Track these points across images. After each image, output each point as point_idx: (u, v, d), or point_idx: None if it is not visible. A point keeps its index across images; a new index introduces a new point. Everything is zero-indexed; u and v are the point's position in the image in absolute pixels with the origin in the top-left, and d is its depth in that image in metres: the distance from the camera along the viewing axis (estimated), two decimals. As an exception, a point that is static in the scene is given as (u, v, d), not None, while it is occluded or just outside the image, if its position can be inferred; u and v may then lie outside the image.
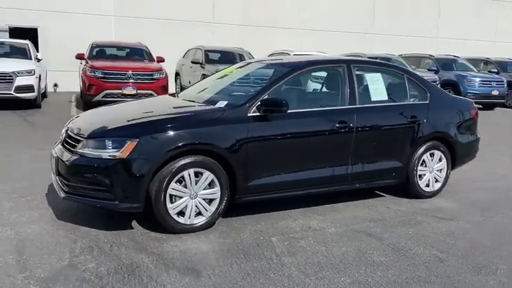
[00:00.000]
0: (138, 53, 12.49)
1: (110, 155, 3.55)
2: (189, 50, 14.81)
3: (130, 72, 10.79)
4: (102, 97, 10.58)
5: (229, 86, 4.81)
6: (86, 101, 10.82)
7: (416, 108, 4.91)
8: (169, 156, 3.60)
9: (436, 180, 5.13)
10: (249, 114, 3.95)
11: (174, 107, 4.30)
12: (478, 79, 14.77)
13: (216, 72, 11.77)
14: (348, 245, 3.71)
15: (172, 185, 3.65)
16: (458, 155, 5.22)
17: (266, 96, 4.04)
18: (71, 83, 14.33)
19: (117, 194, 3.55)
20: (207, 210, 3.83)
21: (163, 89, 11.26)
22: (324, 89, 4.55)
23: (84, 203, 3.72)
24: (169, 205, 3.67)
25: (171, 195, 3.67)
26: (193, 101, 4.41)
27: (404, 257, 3.52)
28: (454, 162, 5.23)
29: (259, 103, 3.99)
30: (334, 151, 4.39)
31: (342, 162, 4.44)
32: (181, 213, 3.75)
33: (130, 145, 3.54)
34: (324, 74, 4.59)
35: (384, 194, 5.14)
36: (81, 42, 13.66)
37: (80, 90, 13.31)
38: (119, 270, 3.11)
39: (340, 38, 18.82)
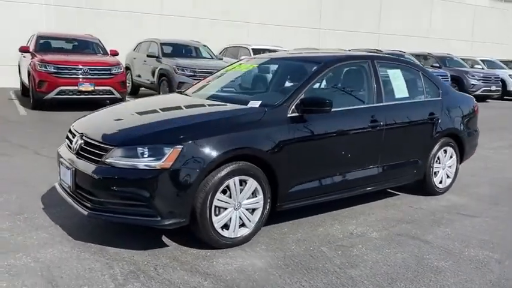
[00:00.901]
0: (90, 46, 11.58)
1: (148, 165, 3.09)
2: (140, 43, 14.02)
3: (86, 67, 9.94)
4: (55, 94, 9.69)
5: (253, 84, 4.45)
6: (37, 98, 9.81)
7: (433, 104, 4.87)
8: (216, 163, 3.21)
9: (448, 177, 5.14)
10: (288, 115, 3.65)
11: (205, 109, 3.88)
12: None
13: (176, 66, 11.58)
14: (401, 250, 3.55)
15: (218, 195, 3.27)
16: (465, 150, 5.28)
17: (303, 96, 3.75)
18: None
19: (160, 209, 3.10)
20: (250, 221, 3.48)
21: (122, 85, 10.54)
22: (351, 87, 4.34)
23: (116, 221, 3.22)
24: (214, 218, 3.28)
25: (216, 207, 3.29)
26: (218, 102, 4.01)
27: (462, 261, 3.42)
28: (461, 157, 5.28)
29: (298, 102, 3.70)
30: (366, 151, 4.21)
31: (374, 163, 4.28)
32: (224, 226, 3.37)
33: (173, 153, 3.10)
34: (350, 69, 4.38)
35: (398, 193, 5.07)
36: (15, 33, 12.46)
37: (20, 87, 12.19)
38: (182, 299, 2.71)
39: (292, 33, 18.81)
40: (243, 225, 3.46)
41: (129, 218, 3.16)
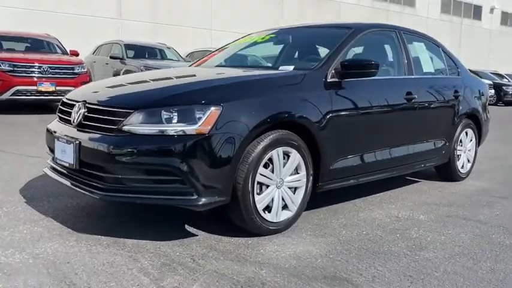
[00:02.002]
0: (48, 45, 10.61)
1: (181, 130, 2.47)
2: (100, 46, 13.14)
3: (46, 65, 9.01)
4: (11, 95, 8.67)
5: (274, 53, 3.92)
6: (-10, 99, 8.75)
7: (456, 82, 4.55)
8: (260, 130, 2.64)
9: (468, 161, 4.82)
10: (328, 80, 3.15)
11: (235, 73, 3.30)
12: None
13: (144, 66, 10.80)
14: (462, 231, 3.11)
15: (261, 169, 2.69)
16: (483, 134, 5.01)
17: (341, 59, 3.27)
18: None
19: (197, 184, 2.47)
20: (293, 202, 2.92)
21: (87, 86, 9.65)
22: (383, 56, 3.91)
23: (140, 202, 2.53)
24: (256, 197, 2.69)
25: (258, 184, 2.71)
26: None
27: (532, 238, 3.03)
28: (478, 141, 4.99)
29: (338, 66, 3.21)
30: (403, 126, 3.79)
31: (410, 140, 3.86)
32: (266, 208, 2.79)
33: (212, 114, 2.50)
34: (380, 38, 3.95)
35: (418, 179, 4.68)
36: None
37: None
38: (243, 292, 2.10)
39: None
40: (284, 207, 2.89)
41: (158, 198, 2.51)
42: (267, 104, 2.73)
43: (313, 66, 3.22)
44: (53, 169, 3.02)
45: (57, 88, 9.07)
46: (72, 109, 2.95)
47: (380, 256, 2.59)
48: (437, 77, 4.32)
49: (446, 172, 4.59)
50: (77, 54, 10.69)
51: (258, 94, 2.74)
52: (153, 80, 3.17)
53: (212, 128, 2.49)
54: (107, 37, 13.76)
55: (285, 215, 2.89)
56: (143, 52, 12.28)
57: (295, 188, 2.95)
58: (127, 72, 10.94)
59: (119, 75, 11.34)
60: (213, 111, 2.51)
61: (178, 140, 2.46)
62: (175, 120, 2.50)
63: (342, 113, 3.17)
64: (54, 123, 3.13)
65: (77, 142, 2.66)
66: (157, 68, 10.58)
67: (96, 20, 15.19)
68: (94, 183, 2.61)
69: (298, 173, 2.93)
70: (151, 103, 2.57)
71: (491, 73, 22.04)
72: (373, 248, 2.72)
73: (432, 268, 2.46)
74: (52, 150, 3.00)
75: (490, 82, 19.26)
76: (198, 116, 2.50)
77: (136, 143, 2.48)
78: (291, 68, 3.24)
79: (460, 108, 4.48)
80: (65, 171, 2.85)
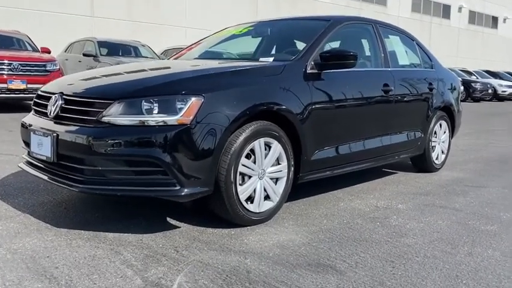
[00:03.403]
0: (18, 42, 10.33)
1: (162, 121, 2.45)
2: (72, 43, 12.88)
3: (16, 62, 8.78)
4: (-21, 93, 8.43)
5: (253, 46, 3.91)
6: (-43, 98, 8.48)
7: (431, 75, 4.65)
8: (241, 120, 2.64)
9: (442, 152, 4.94)
10: (308, 71, 3.17)
11: (214, 64, 3.28)
12: None
13: (117, 64, 10.61)
14: (439, 218, 3.18)
15: (243, 160, 2.70)
16: (456, 125, 5.14)
17: (320, 51, 3.30)
18: None
19: (179, 175, 2.45)
20: (275, 193, 2.93)
21: (59, 84, 9.44)
22: (360, 49, 3.96)
23: (122, 194, 2.48)
24: (239, 188, 2.69)
25: (240, 175, 2.71)
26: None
27: (507, 224, 3.12)
28: (452, 133, 5.12)
29: (317, 58, 3.24)
30: (381, 117, 3.84)
31: (387, 130, 3.92)
32: (248, 198, 2.79)
33: (193, 104, 2.49)
34: (356, 30, 4.00)
35: (394, 171, 4.76)
36: None
37: None
38: (228, 279, 2.09)
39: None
40: (267, 197, 2.90)
41: (140, 190, 2.47)
42: (248, 94, 2.73)
43: (292, 58, 3.23)
44: (29, 163, 2.95)
45: (29, 86, 8.85)
46: (46, 101, 2.89)
47: (362, 243, 2.63)
48: (413, 69, 4.41)
49: (422, 163, 4.69)
50: (48, 52, 10.47)
51: (239, 84, 2.74)
52: (131, 72, 3.12)
53: (193, 118, 2.47)
54: (79, 35, 13.50)
55: (267, 205, 2.89)
56: (117, 49, 12.08)
57: (277, 179, 2.96)
58: (100, 69, 10.78)
59: (92, 73, 11.16)
60: (194, 101, 2.50)
61: (159, 131, 2.43)
62: (156, 111, 2.48)
63: (322, 104, 3.20)
64: (30, 117, 3.05)
65: (55, 135, 2.60)
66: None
67: (67, 17, 14.87)
68: (73, 176, 2.56)
69: (279, 164, 2.94)
70: (131, 93, 2.53)
71: (460, 70, 22.60)
72: (354, 235, 2.76)
73: (413, 253, 2.51)
74: (28, 144, 2.93)
75: (459, 79, 19.75)
76: (179, 106, 2.48)
77: (116, 134, 2.44)
78: (271, 59, 3.25)
79: (434, 101, 4.59)
80: (41, 165, 2.78)
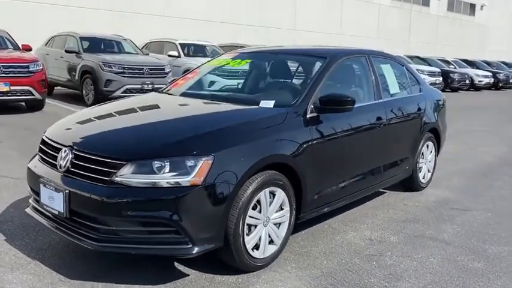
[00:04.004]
0: (-3, 39, 10.09)
1: (174, 182, 2.54)
2: (53, 37, 12.61)
3: (-1, 64, 8.61)
4: (-40, 96, 8.27)
5: (250, 82, 3.99)
6: None
7: (419, 100, 4.81)
8: (248, 175, 2.75)
9: (428, 171, 5.15)
10: (308, 116, 3.29)
11: (217, 112, 3.37)
12: None
13: (103, 62, 10.45)
14: (430, 254, 3.38)
15: (250, 212, 2.82)
16: (441, 144, 5.35)
17: (319, 94, 3.41)
18: None
19: (192, 234, 2.56)
20: (278, 237, 3.08)
21: (43, 85, 9.34)
22: (353, 83, 4.09)
23: (136, 252, 2.59)
24: (246, 238, 2.82)
25: (247, 226, 2.83)
26: (220, 101, 3.52)
27: (492, 260, 3.34)
28: (437, 151, 5.33)
29: (316, 102, 3.35)
30: (374, 149, 4.00)
31: (380, 161, 4.09)
32: (254, 246, 2.93)
33: (204, 165, 2.58)
34: (351, 65, 4.10)
35: (384, 190, 4.95)
36: None
37: None
38: None
39: (212, 27, 18.31)
40: (270, 242, 3.04)
41: (153, 248, 2.58)
42: (255, 149, 2.84)
43: (293, 102, 3.33)
44: (38, 211, 3.01)
45: (12, 88, 8.75)
46: (54, 151, 2.93)
47: (362, 291, 2.81)
48: (403, 97, 4.55)
49: (409, 183, 4.89)
50: (29, 49, 10.29)
51: (246, 139, 2.84)
52: (140, 118, 3.19)
53: (205, 178, 2.57)
54: (57, 25, 13.22)
55: (271, 249, 3.03)
56: (99, 45, 11.91)
57: (280, 223, 3.09)
58: (85, 66, 10.61)
59: (75, 70, 11.00)
60: (205, 161, 2.59)
61: (172, 192, 2.53)
62: (168, 172, 2.56)
63: (321, 147, 3.32)
64: (36, 163, 3.09)
65: (67, 191, 2.67)
66: (116, 64, 10.37)
67: (45, 7, 14.49)
68: (86, 233, 2.64)
69: (282, 209, 3.07)
70: (143, 154, 2.61)
71: (439, 60, 23.00)
72: (354, 280, 2.93)
73: (409, 301, 2.70)
74: (37, 193, 2.98)
75: (438, 70, 20.15)
76: (190, 167, 2.57)
77: (130, 195, 2.53)
78: (271, 103, 3.34)
79: (423, 124, 4.77)
80: (55, 218, 2.84)
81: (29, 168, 3.11)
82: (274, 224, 3.05)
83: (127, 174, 2.56)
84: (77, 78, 11.01)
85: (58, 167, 2.81)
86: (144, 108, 3.56)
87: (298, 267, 3.07)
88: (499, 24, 38.63)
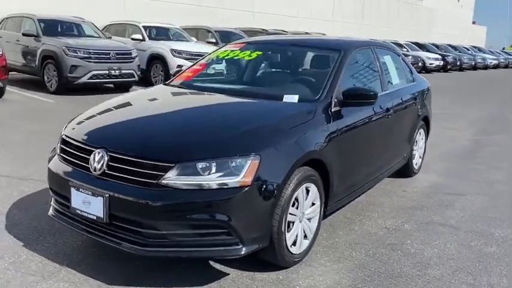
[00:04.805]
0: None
1: (223, 183, 2.50)
2: (7, 19, 11.82)
3: (-45, 49, 7.98)
4: None
5: (264, 75, 3.95)
6: None
7: (414, 89, 4.97)
8: (291, 172, 2.75)
9: (419, 157, 5.36)
10: (333, 110, 3.32)
11: (248, 108, 3.31)
12: None
13: (67, 47, 9.88)
14: (446, 241, 3.55)
15: (290, 209, 2.83)
16: (429, 131, 5.56)
17: (342, 88, 3.44)
18: None
19: (242, 234, 2.54)
20: (310, 232, 3.12)
21: (4, 71, 8.78)
22: (363, 75, 4.14)
23: (186, 256, 2.54)
24: (287, 235, 2.84)
25: (288, 223, 2.84)
26: (241, 96, 3.47)
27: (502, 243, 3.56)
28: (427, 137, 5.55)
29: (339, 94, 3.38)
30: (384, 139, 4.12)
31: (387, 150, 4.22)
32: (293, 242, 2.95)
33: (253, 165, 2.55)
34: (361, 57, 4.14)
35: (379, 177, 5.11)
36: None
37: None
38: None
39: (168, 10, 17.80)
40: (305, 237, 3.08)
41: (203, 251, 2.53)
42: (296, 145, 2.84)
43: (317, 96, 3.34)
44: (64, 215, 2.86)
45: (-30, 75, 8.13)
46: (82, 152, 2.79)
47: (398, 280, 2.91)
48: (403, 87, 4.67)
49: (404, 170, 5.06)
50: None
51: (287, 137, 2.83)
52: (169, 115, 3.09)
53: (254, 178, 2.54)
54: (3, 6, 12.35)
55: (305, 244, 3.07)
56: (58, 27, 11.29)
57: (311, 218, 3.13)
58: (46, 51, 10.02)
59: (34, 54, 10.38)
60: (253, 161, 2.56)
61: (222, 194, 2.49)
62: (216, 173, 2.51)
63: (343, 140, 3.36)
64: (59, 165, 2.92)
65: (107, 195, 2.55)
66: (82, 49, 9.88)
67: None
68: (130, 238, 2.55)
69: (314, 204, 3.11)
70: (190, 156, 2.54)
71: (392, 43, 23.65)
72: (387, 270, 3.03)
73: (440, 285, 2.83)
74: (64, 197, 2.83)
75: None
76: (239, 167, 2.53)
77: (179, 198, 2.46)
78: (296, 97, 3.33)
79: (419, 113, 4.95)
80: (91, 223, 2.71)
81: (51, 170, 2.94)
82: (307, 219, 3.08)
83: (174, 177, 2.48)
84: (37, 63, 10.40)
85: (92, 169, 2.67)
86: (167, 104, 3.44)
87: (330, 260, 3.13)
88: (444, 8, 40.24)
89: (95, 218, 2.63)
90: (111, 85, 11.16)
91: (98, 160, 2.66)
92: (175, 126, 2.94)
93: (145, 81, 12.03)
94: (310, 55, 4.04)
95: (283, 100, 3.33)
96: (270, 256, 2.83)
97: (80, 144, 2.82)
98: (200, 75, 4.06)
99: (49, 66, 10.14)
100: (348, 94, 3.36)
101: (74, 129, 3.03)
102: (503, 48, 54.93)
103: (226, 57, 4.14)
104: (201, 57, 4.34)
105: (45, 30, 10.64)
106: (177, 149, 2.62)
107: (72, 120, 3.23)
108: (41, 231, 3.31)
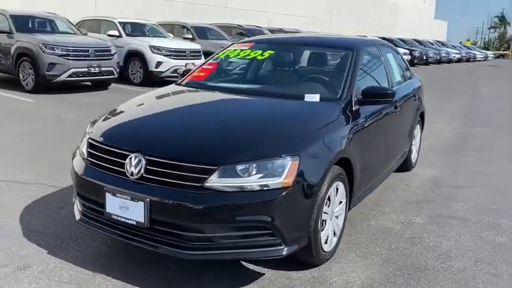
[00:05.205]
0: None
1: (266, 184, 2.51)
2: (-25, 15, 11.26)
3: None
4: None
5: (282, 73, 3.96)
6: None
7: (413, 85, 5.11)
8: (327, 171, 2.80)
9: (416, 152, 5.52)
10: (354, 109, 3.38)
11: (278, 108, 3.31)
12: None
13: (44, 44, 9.49)
14: (460, 233, 3.68)
15: (324, 208, 2.87)
16: (424, 126, 5.74)
17: (361, 87, 3.51)
18: None
19: (286, 235, 2.57)
20: (338, 229, 3.18)
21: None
22: (370, 73, 4.22)
23: (231, 257, 2.56)
24: (321, 234, 2.88)
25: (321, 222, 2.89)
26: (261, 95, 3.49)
27: (510, 233, 3.73)
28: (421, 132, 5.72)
29: (359, 93, 3.45)
30: (392, 136, 4.23)
31: (397, 145, 4.34)
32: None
33: (293, 165, 2.58)
34: (368, 55, 4.21)
35: (379, 172, 5.24)
36: None
37: None
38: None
39: (141, 4, 17.49)
40: (334, 234, 3.13)
41: (246, 252, 2.55)
42: (329, 145, 2.89)
43: (338, 95, 3.40)
44: (96, 220, 2.80)
45: None
46: (115, 156, 2.73)
47: (427, 273, 3.01)
48: (405, 84, 4.80)
49: (403, 164, 5.17)
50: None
51: (319, 136, 2.87)
52: (197, 119, 3.07)
53: (295, 178, 2.57)
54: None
55: (334, 241, 3.13)
56: (31, 24, 10.90)
57: (338, 216, 3.18)
58: (21, 48, 9.66)
59: (7, 52, 9.98)
60: (293, 162, 2.59)
61: (266, 195, 2.50)
62: (256, 174, 2.52)
63: (362, 138, 3.42)
64: (87, 168, 2.85)
65: (148, 200, 2.52)
66: (59, 46, 9.58)
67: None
68: (172, 242, 2.53)
69: (341, 202, 3.16)
70: (233, 158, 2.53)
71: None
72: (413, 264, 3.13)
73: (471, 279, 2.95)
74: (96, 203, 2.77)
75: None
76: (280, 168, 2.55)
77: (225, 201, 2.46)
78: (317, 96, 3.37)
79: (417, 108, 5.10)
80: (124, 228, 2.67)
81: (79, 175, 2.87)
82: (335, 217, 3.13)
83: (217, 179, 2.48)
84: (11, 61, 10.02)
85: (129, 174, 2.62)
86: (192, 106, 3.41)
87: (358, 257, 3.20)
88: (407, 3, 41.22)
89: (134, 223, 2.59)
90: (89, 83, 10.90)
91: (134, 164, 2.62)
92: (210, 128, 2.93)
93: (123, 78, 11.80)
94: (322, 54, 4.08)
95: (305, 99, 3.36)
96: (306, 255, 2.87)
97: (112, 149, 2.76)
98: (213, 75, 4.04)
99: (24, 64, 9.79)
100: (367, 93, 3.43)
101: (101, 133, 2.96)
102: (461, 42, 56.86)
103: (237, 57, 4.13)
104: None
105: (18, 27, 10.26)
106: (219, 151, 2.61)
107: (95, 122, 3.15)
108: (61, 237, 3.23)
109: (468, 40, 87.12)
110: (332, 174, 2.88)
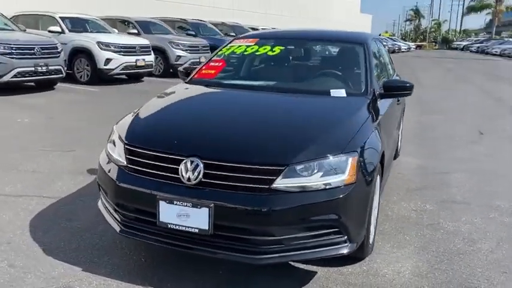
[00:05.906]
0: None
1: (331, 183, 2.49)
2: None
3: None
4: None
5: (299, 68, 3.92)
6: None
7: (399, 77, 5.29)
8: (377, 165, 2.83)
9: (400, 141, 5.75)
10: (377, 102, 3.44)
11: (308, 105, 3.28)
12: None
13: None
14: (469, 217, 3.88)
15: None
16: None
17: (380, 81, 3.59)
18: None
19: (351, 232, 2.56)
20: (375, 221, 3.23)
21: None
22: (378, 66, 4.30)
23: (299, 258, 2.52)
24: (371, 227, 2.92)
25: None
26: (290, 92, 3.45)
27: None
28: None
29: (381, 87, 3.52)
30: (397, 126, 4.37)
31: (396, 136, 4.49)
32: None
33: (354, 162, 2.57)
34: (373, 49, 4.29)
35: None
36: None
37: None
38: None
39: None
40: (372, 227, 3.19)
41: (314, 252, 2.50)
42: (374, 139, 2.91)
43: (362, 90, 3.44)
44: (144, 231, 2.62)
45: None
46: (163, 162, 2.56)
47: (462, 257, 3.15)
48: (396, 75, 4.98)
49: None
50: None
51: (366, 131, 2.89)
52: (243, 119, 2.97)
53: (356, 175, 2.57)
54: None
55: (372, 233, 3.17)
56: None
57: (375, 207, 3.23)
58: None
59: None
60: (354, 158, 2.59)
61: (334, 193, 2.48)
62: (318, 172, 2.49)
63: (383, 129, 3.47)
64: (130, 177, 2.64)
65: (211, 205, 2.40)
66: (2, 43, 8.81)
67: None
68: (241, 248, 2.43)
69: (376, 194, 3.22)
70: (298, 157, 2.48)
71: (272, 29, 24.55)
72: (446, 249, 3.26)
73: (503, 260, 3.13)
74: (142, 212, 2.59)
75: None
76: (343, 165, 2.54)
77: (294, 201, 2.41)
78: (343, 91, 3.39)
79: (403, 99, 5.29)
80: (182, 237, 2.51)
81: (121, 186, 2.64)
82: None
83: (282, 180, 2.42)
84: None
85: (185, 180, 2.47)
86: (231, 105, 3.29)
87: (393, 247, 3.27)
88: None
89: (196, 230, 2.45)
90: (32, 83, 10.14)
91: (191, 169, 2.48)
92: (263, 127, 2.84)
93: (69, 77, 11.09)
94: (333, 49, 4.11)
95: (331, 95, 3.37)
96: (359, 250, 2.87)
97: (162, 154, 2.58)
98: (228, 72, 3.93)
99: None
100: (388, 86, 3.52)
101: (143, 138, 2.75)
102: (380, 34, 59.87)
103: (245, 53, 4.02)
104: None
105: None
106: (285, 151, 2.53)
107: (129, 128, 2.91)
108: (88, 252, 2.99)
109: (386, 32, 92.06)
110: (378, 168, 2.92)
